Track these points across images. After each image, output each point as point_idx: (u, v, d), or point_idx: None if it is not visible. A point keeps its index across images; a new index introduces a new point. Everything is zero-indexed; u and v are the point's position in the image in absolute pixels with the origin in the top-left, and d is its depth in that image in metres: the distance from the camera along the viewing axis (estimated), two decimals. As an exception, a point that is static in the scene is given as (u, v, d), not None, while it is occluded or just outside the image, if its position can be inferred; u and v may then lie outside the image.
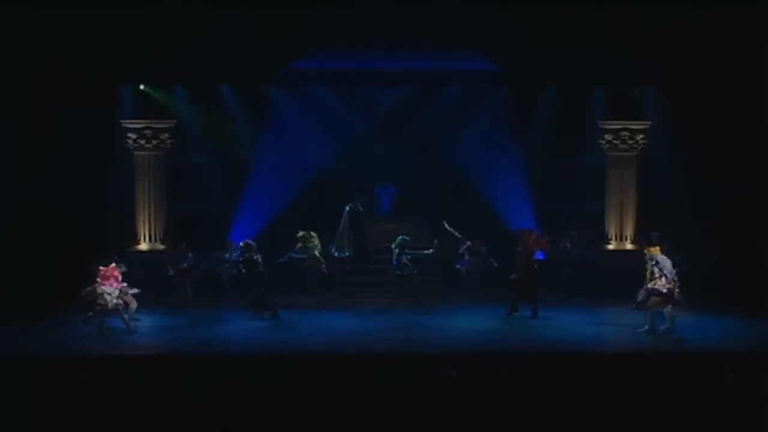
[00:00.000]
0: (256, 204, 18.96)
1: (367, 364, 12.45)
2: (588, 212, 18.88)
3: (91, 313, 14.75)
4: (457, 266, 18.04)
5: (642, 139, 18.90)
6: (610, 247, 19.02)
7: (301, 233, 17.47)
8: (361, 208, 18.23)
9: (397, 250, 16.74)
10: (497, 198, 19.24)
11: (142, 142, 18.57)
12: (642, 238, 16.84)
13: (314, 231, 17.57)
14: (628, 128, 18.82)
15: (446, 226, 17.49)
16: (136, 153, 18.66)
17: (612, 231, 19.06)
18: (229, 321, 16.03)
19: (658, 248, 14.76)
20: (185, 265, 16.71)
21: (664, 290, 14.35)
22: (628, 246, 18.78)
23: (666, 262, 14.47)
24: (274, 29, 17.10)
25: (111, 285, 14.65)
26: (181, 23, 16.75)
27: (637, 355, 13.49)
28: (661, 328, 14.64)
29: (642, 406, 10.90)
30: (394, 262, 16.79)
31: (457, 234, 17.53)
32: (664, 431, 10.62)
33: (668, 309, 14.51)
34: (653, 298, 14.57)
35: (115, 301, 14.61)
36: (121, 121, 18.47)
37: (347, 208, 18.14)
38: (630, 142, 18.91)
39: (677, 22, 16.95)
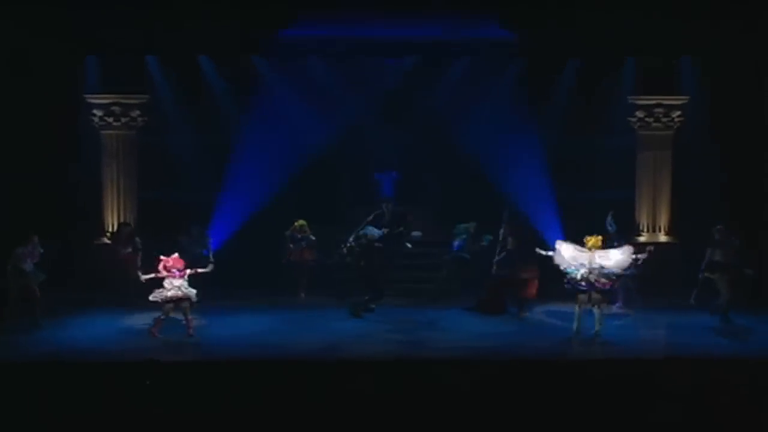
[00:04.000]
0: (240, 191, 17.60)
1: (366, 367, 12.39)
2: (615, 200, 17.17)
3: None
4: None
5: (678, 116, 17.68)
6: (642, 239, 17.58)
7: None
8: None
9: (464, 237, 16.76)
10: (512, 184, 17.84)
11: (110, 119, 17.40)
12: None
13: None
14: (662, 104, 17.61)
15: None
16: (102, 132, 17.48)
17: (644, 221, 17.86)
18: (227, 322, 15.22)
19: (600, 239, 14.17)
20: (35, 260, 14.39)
21: (607, 287, 14.05)
22: (662, 238, 17.58)
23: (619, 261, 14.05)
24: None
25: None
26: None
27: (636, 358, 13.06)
28: (593, 331, 14.11)
29: (643, 409, 10.80)
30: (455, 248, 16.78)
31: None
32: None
33: (605, 308, 14.24)
34: (595, 296, 14.00)
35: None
36: (85, 95, 17.25)
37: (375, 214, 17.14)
38: (665, 119, 17.69)
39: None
